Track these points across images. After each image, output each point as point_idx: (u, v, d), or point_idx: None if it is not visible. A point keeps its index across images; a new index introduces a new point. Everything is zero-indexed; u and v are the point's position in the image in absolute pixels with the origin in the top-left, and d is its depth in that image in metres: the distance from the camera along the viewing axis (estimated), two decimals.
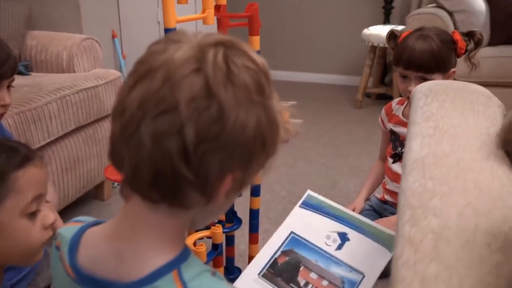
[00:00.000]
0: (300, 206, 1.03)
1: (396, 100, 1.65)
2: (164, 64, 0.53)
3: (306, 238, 0.97)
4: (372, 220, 1.06)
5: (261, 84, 0.56)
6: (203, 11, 1.31)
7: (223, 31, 1.44)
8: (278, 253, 0.99)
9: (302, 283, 0.93)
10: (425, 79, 1.41)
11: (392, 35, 1.55)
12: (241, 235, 1.78)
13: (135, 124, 0.53)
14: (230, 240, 1.62)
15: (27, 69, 2.07)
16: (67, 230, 0.66)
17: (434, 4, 2.97)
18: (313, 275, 0.92)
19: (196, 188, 0.55)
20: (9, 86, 1.16)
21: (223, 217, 1.64)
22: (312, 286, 0.92)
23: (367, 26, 3.45)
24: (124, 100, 0.54)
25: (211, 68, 0.53)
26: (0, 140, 0.88)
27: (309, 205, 1.02)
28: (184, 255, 0.60)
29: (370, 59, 3.34)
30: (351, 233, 0.95)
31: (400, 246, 0.65)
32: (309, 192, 1.05)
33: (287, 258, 0.99)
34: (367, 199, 1.66)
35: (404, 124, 1.49)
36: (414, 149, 0.92)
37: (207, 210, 0.62)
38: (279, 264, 0.99)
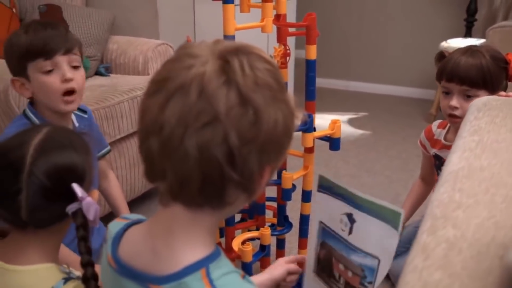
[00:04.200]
0: (318, 191, 1.02)
1: (436, 123, 1.59)
2: (195, 79, 0.57)
3: (329, 226, 0.97)
4: None
5: (280, 82, 0.62)
6: (262, 19, 1.37)
7: (282, 40, 1.49)
8: (318, 247, 1.01)
9: (337, 276, 0.94)
10: (468, 96, 1.36)
11: (441, 56, 1.49)
12: (295, 240, 1.81)
13: (178, 138, 0.57)
14: (281, 244, 1.66)
15: (108, 71, 2.24)
16: (114, 225, 0.74)
17: None
18: (341, 267, 0.93)
19: (240, 186, 0.61)
20: (75, 67, 1.22)
21: (274, 220, 1.69)
22: (343, 278, 0.93)
23: (446, 38, 3.35)
24: (158, 118, 0.58)
25: (240, 77, 0.58)
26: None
27: (324, 188, 1.00)
28: (214, 255, 0.65)
29: None
30: (356, 214, 0.91)
31: (413, 252, 0.66)
32: (320, 174, 1.03)
33: (324, 251, 1.00)
34: (405, 222, 1.62)
35: (449, 148, 1.45)
36: (453, 162, 0.91)
37: (241, 204, 0.67)
38: (321, 260, 1.00)
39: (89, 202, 0.79)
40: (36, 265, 0.83)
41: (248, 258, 1.38)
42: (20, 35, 1.18)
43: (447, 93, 1.41)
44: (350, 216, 0.92)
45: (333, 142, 1.44)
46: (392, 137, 3.08)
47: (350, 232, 0.92)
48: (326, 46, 4.12)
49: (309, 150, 1.48)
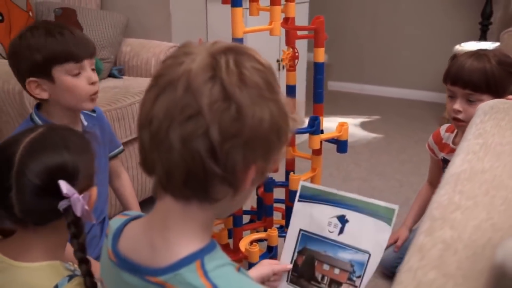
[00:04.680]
0: (298, 201, 1.04)
1: (444, 127, 1.58)
2: (183, 75, 0.60)
3: (313, 231, 0.99)
4: None
5: (269, 82, 0.63)
6: (270, 22, 1.38)
7: (290, 43, 1.51)
8: (295, 255, 1.02)
9: (319, 277, 0.95)
10: (471, 101, 1.35)
11: (454, 58, 1.49)
12: None
13: (164, 131, 0.60)
14: None
15: (120, 73, 2.27)
16: (115, 221, 0.76)
17: None
18: (325, 267, 0.94)
19: (225, 181, 0.62)
20: (93, 69, 1.28)
21: (283, 222, 1.70)
22: (327, 277, 0.94)
23: (461, 42, 3.33)
24: (149, 112, 0.61)
25: (225, 73, 0.60)
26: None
27: (306, 197, 1.03)
28: (209, 248, 0.66)
29: None
30: (349, 214, 0.95)
31: (410, 253, 0.66)
32: (302, 183, 1.06)
33: (304, 257, 1.01)
34: (412, 227, 1.61)
35: None
36: (456, 164, 0.91)
37: (233, 202, 0.68)
38: (299, 266, 1.01)
39: (75, 198, 0.80)
40: (41, 262, 0.84)
41: (255, 258, 1.39)
42: (43, 36, 1.19)
43: (452, 97, 1.40)
44: (342, 218, 0.95)
45: (341, 145, 1.44)
46: (404, 141, 3.07)
47: (340, 232, 0.94)
48: (340, 50, 4.12)
49: (316, 152, 1.49)
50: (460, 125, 1.39)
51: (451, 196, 0.78)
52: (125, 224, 0.74)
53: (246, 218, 1.73)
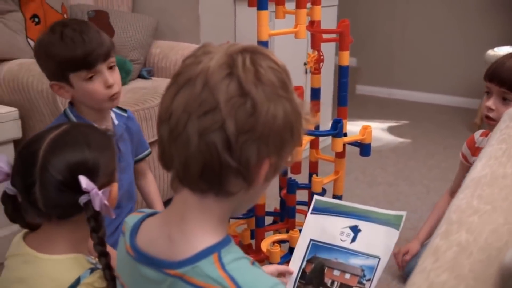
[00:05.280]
0: (311, 213, 1.08)
1: (479, 132, 1.57)
2: (201, 72, 0.63)
3: (324, 241, 1.01)
4: None
5: (284, 81, 0.66)
6: (296, 25, 1.39)
7: (316, 46, 1.51)
8: (304, 263, 1.04)
9: (329, 283, 0.97)
10: (505, 99, 1.34)
11: None
12: None
13: (182, 125, 0.63)
14: None
15: (150, 74, 2.32)
16: (131, 218, 0.78)
17: None
18: (336, 272, 0.96)
19: (239, 174, 0.64)
20: (111, 67, 1.27)
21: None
22: (337, 282, 0.95)
23: (493, 47, 3.27)
24: (169, 107, 0.64)
25: (241, 71, 0.62)
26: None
27: (319, 210, 1.06)
28: (225, 241, 0.69)
29: None
30: (361, 224, 1.00)
31: (425, 255, 0.66)
32: (316, 197, 1.11)
33: (313, 265, 1.03)
34: (425, 241, 1.59)
35: None
36: (477, 169, 0.90)
37: (247, 196, 0.70)
38: (307, 274, 1.03)
39: (94, 193, 0.83)
40: (65, 255, 0.88)
41: (276, 259, 1.40)
42: (56, 43, 1.20)
43: (488, 93, 1.41)
44: (354, 228, 0.99)
45: (364, 148, 1.44)
46: (432, 146, 3.03)
47: (353, 241, 0.98)
48: (369, 53, 4.10)
49: (340, 155, 1.49)
50: (491, 123, 1.39)
51: (469, 200, 0.77)
52: (141, 220, 0.76)
53: (269, 220, 1.74)
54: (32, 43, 2.04)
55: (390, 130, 3.37)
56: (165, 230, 0.70)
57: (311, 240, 1.04)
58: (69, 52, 1.20)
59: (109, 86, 1.25)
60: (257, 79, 0.63)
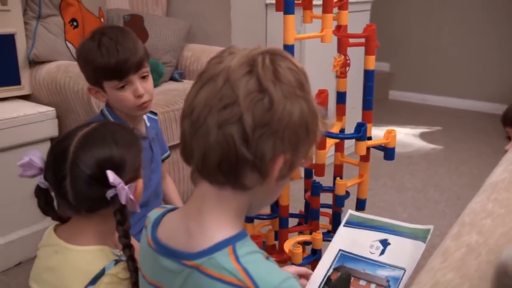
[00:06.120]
0: (344, 226, 1.10)
1: None
2: (223, 70, 0.67)
3: (353, 252, 1.04)
4: None
5: (301, 82, 0.69)
6: (322, 30, 1.41)
7: (342, 50, 1.53)
8: (331, 270, 1.06)
9: None
10: None
11: None
12: None
13: (203, 118, 0.67)
14: None
15: (181, 77, 2.38)
16: (154, 213, 0.82)
17: None
18: (362, 282, 0.98)
19: (255, 168, 0.68)
20: (143, 77, 1.31)
21: (329, 227, 1.71)
22: None
23: None
24: (192, 102, 0.69)
25: (261, 69, 0.66)
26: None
27: (352, 224, 1.09)
28: (241, 235, 0.72)
29: None
30: (391, 238, 1.01)
31: (434, 256, 0.67)
32: (350, 211, 1.14)
33: (339, 273, 1.05)
34: None
35: None
36: (496, 173, 0.91)
37: (263, 193, 0.73)
38: (332, 281, 1.05)
39: (121, 187, 0.87)
40: (92, 246, 0.92)
41: (298, 260, 1.41)
42: (93, 51, 1.26)
43: (509, 138, 1.40)
44: (384, 241, 1.02)
45: (388, 152, 1.44)
46: (465, 153, 2.99)
47: (381, 253, 1.00)
48: (403, 59, 4.06)
49: (364, 159, 1.49)
50: None
51: (484, 204, 0.78)
52: (163, 214, 0.79)
53: (294, 222, 1.76)
54: (70, 46, 2.13)
55: (422, 136, 3.33)
56: (184, 223, 0.74)
57: (340, 250, 1.07)
58: (103, 61, 1.25)
59: (139, 96, 1.29)
60: (275, 77, 0.66)
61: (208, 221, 0.71)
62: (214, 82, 0.67)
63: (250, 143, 0.65)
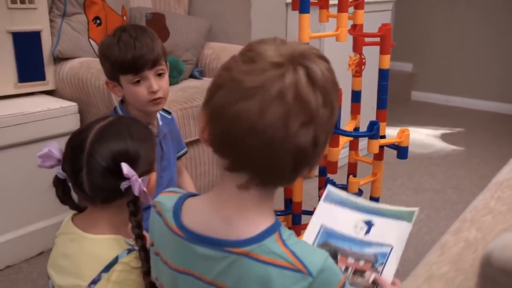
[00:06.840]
0: (323, 201, 1.08)
1: None
2: (290, 86, 0.67)
3: (337, 230, 1.02)
4: None
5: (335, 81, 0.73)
6: (337, 29, 1.42)
7: (357, 49, 1.54)
8: (315, 246, 1.05)
9: (342, 269, 0.98)
10: None
11: None
12: None
13: (279, 137, 0.67)
14: None
15: (201, 74, 2.41)
16: (165, 198, 0.83)
17: None
18: (350, 260, 0.98)
19: (312, 163, 0.73)
20: (160, 74, 1.35)
21: None
22: (351, 268, 0.97)
23: None
24: (259, 122, 0.68)
25: (322, 81, 0.69)
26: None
27: (331, 199, 1.07)
28: (279, 222, 0.76)
29: None
30: (374, 219, 1.01)
31: (432, 249, 0.69)
32: (329, 187, 1.12)
33: (324, 250, 1.05)
34: None
35: None
36: (503, 173, 0.91)
37: None
38: None
39: (134, 179, 0.90)
40: (106, 235, 0.96)
41: None
42: (112, 46, 1.31)
43: None
44: (368, 222, 1.01)
45: (401, 151, 1.45)
46: (486, 156, 2.95)
47: (367, 233, 1.00)
48: (426, 59, 4.03)
49: (377, 157, 1.50)
50: None
51: (487, 201, 0.78)
52: (182, 201, 0.80)
53: (307, 219, 1.77)
54: (93, 43, 2.19)
55: (443, 137, 3.30)
56: (219, 213, 0.75)
57: (321, 225, 1.06)
58: (121, 55, 1.29)
59: (153, 92, 1.33)
60: (334, 90, 0.71)
61: (253, 214, 0.74)
62: (283, 98, 0.66)
63: (318, 149, 0.70)
